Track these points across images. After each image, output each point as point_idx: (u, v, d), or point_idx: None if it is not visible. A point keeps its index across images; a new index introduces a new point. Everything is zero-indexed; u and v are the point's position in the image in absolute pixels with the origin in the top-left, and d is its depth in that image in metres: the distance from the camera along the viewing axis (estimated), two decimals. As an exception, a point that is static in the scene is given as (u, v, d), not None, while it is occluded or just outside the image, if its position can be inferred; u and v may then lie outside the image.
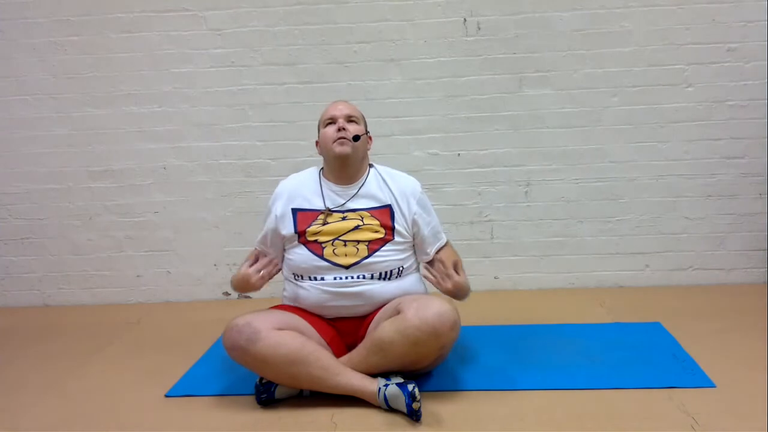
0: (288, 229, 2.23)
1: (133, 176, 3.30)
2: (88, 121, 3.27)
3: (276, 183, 2.42)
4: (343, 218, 2.20)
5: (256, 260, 2.25)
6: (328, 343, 2.16)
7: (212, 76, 3.20)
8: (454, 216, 3.24)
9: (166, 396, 2.22)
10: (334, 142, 2.19)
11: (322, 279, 2.18)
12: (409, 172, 2.42)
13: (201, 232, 3.34)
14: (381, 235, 2.19)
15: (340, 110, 2.24)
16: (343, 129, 2.19)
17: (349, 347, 2.19)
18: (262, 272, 2.20)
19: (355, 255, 2.16)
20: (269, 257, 2.26)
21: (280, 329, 2.03)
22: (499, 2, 3.07)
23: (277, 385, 2.09)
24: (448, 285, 2.11)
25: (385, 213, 2.23)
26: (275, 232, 2.26)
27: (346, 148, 2.19)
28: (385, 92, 3.15)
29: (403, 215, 2.24)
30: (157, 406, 2.16)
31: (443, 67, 3.13)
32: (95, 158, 3.30)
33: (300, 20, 3.14)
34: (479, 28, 3.10)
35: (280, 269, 2.30)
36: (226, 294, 3.38)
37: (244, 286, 2.23)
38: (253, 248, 2.33)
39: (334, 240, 2.17)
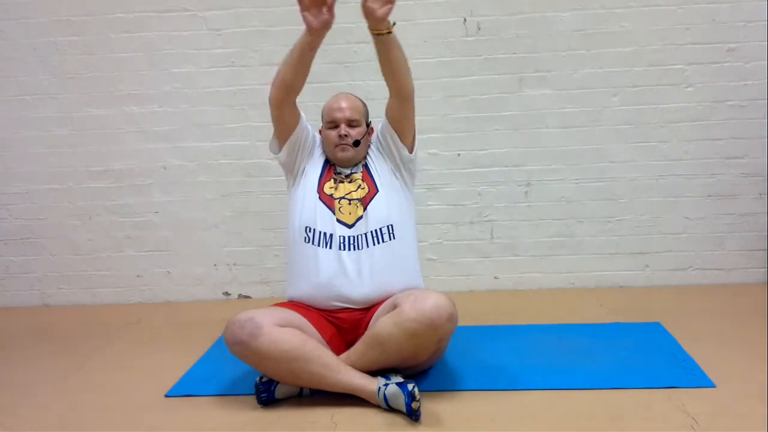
0: (317, 169, 2.34)
1: (133, 176, 3.30)
2: (88, 121, 3.27)
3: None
4: (350, 181, 2.31)
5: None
6: (327, 342, 2.17)
7: (212, 76, 3.20)
8: (454, 216, 3.25)
9: (166, 396, 2.22)
10: (336, 146, 2.29)
11: (330, 240, 2.23)
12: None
13: (201, 232, 3.34)
14: (366, 191, 2.29)
15: (342, 112, 2.29)
16: (345, 135, 2.27)
17: (349, 345, 2.19)
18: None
19: (355, 213, 2.26)
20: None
21: (281, 326, 2.04)
22: (499, 2, 3.08)
23: (277, 384, 2.09)
24: None
25: (365, 173, 2.34)
26: (308, 148, 2.35)
27: (347, 154, 2.29)
28: (385, 92, 3.13)
29: (377, 162, 2.34)
30: (157, 406, 2.16)
31: (443, 67, 3.13)
32: (95, 158, 3.30)
33: (300, 20, 3.12)
34: (479, 28, 3.10)
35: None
36: (226, 294, 3.38)
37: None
38: None
39: (341, 198, 2.27)
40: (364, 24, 3.10)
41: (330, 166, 2.35)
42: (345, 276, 2.21)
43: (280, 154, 2.34)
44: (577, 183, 3.19)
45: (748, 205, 3.16)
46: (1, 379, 2.47)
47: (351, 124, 2.29)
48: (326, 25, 2.13)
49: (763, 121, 3.08)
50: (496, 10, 3.08)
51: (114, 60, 3.21)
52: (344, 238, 2.23)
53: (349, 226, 2.24)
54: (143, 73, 3.22)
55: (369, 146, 2.38)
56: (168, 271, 3.39)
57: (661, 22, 3.04)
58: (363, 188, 2.29)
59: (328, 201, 2.27)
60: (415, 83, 3.13)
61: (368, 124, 2.37)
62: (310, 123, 2.43)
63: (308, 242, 2.26)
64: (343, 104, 2.31)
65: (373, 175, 2.32)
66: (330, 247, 2.23)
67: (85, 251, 3.38)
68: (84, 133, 3.28)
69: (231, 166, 3.28)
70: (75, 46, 3.21)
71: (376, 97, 3.10)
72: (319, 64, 3.13)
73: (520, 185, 3.21)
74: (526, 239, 3.25)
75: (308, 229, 2.27)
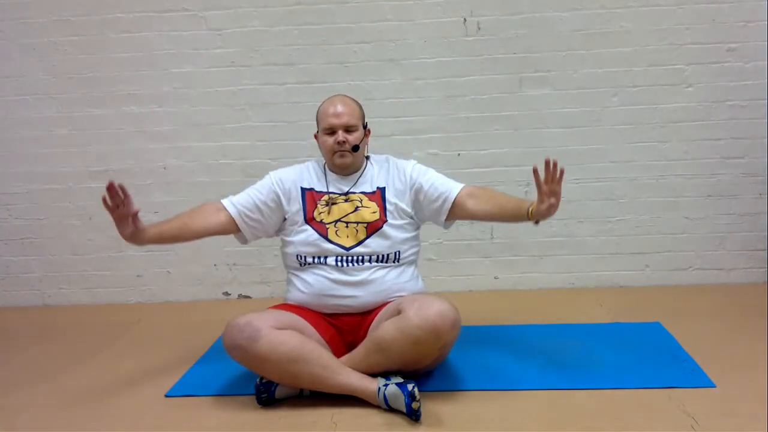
0: (296, 206, 2.28)
1: (133, 176, 3.30)
2: (88, 121, 3.27)
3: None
4: (346, 200, 2.27)
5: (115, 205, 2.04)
6: (327, 342, 2.17)
7: (212, 76, 3.19)
8: (454, 216, 3.24)
9: (166, 396, 2.22)
10: (335, 153, 2.25)
11: (325, 260, 2.21)
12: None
13: (201, 232, 3.34)
14: (377, 217, 2.24)
15: (339, 118, 2.24)
16: (343, 142, 2.23)
17: (349, 345, 2.20)
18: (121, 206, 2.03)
19: (355, 237, 2.22)
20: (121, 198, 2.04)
21: (280, 328, 2.04)
22: (499, 2, 3.08)
23: (277, 385, 2.09)
24: (555, 190, 2.12)
25: (378, 196, 2.29)
26: (276, 203, 2.29)
27: (346, 160, 2.26)
28: (385, 92, 3.16)
29: (398, 193, 2.29)
30: (157, 406, 2.16)
31: (443, 67, 3.13)
32: (95, 158, 3.30)
33: (300, 20, 3.14)
34: (479, 28, 3.10)
35: (131, 209, 2.06)
36: (226, 294, 3.38)
37: (120, 229, 2.10)
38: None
39: (336, 222, 2.23)
40: (364, 24, 3.14)
41: (309, 192, 2.30)
42: (344, 289, 2.20)
43: (250, 241, 2.37)
44: (577, 183, 3.19)
45: (748, 205, 3.16)
46: (2, 378, 2.47)
47: (348, 129, 2.25)
48: (135, 236, 2.12)
49: (763, 121, 3.08)
50: (496, 10, 3.08)
51: (114, 60, 3.21)
52: (341, 258, 2.21)
53: (347, 249, 2.21)
54: (143, 73, 3.21)
55: (393, 177, 2.32)
56: (168, 271, 3.39)
57: (661, 22, 3.04)
58: (372, 212, 2.24)
59: (319, 228, 2.24)
60: (416, 83, 3.16)
61: (365, 126, 2.34)
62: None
63: (304, 265, 2.25)
64: (340, 109, 2.25)
65: (387, 204, 2.27)
66: (326, 264, 2.22)
67: (85, 251, 3.38)
68: (84, 133, 3.28)
69: (231, 166, 3.28)
70: (75, 46, 3.21)
71: (376, 97, 3.12)
72: (319, 63, 3.17)
73: (520, 185, 3.20)
74: (526, 239, 3.25)
75: (299, 256, 2.26)
